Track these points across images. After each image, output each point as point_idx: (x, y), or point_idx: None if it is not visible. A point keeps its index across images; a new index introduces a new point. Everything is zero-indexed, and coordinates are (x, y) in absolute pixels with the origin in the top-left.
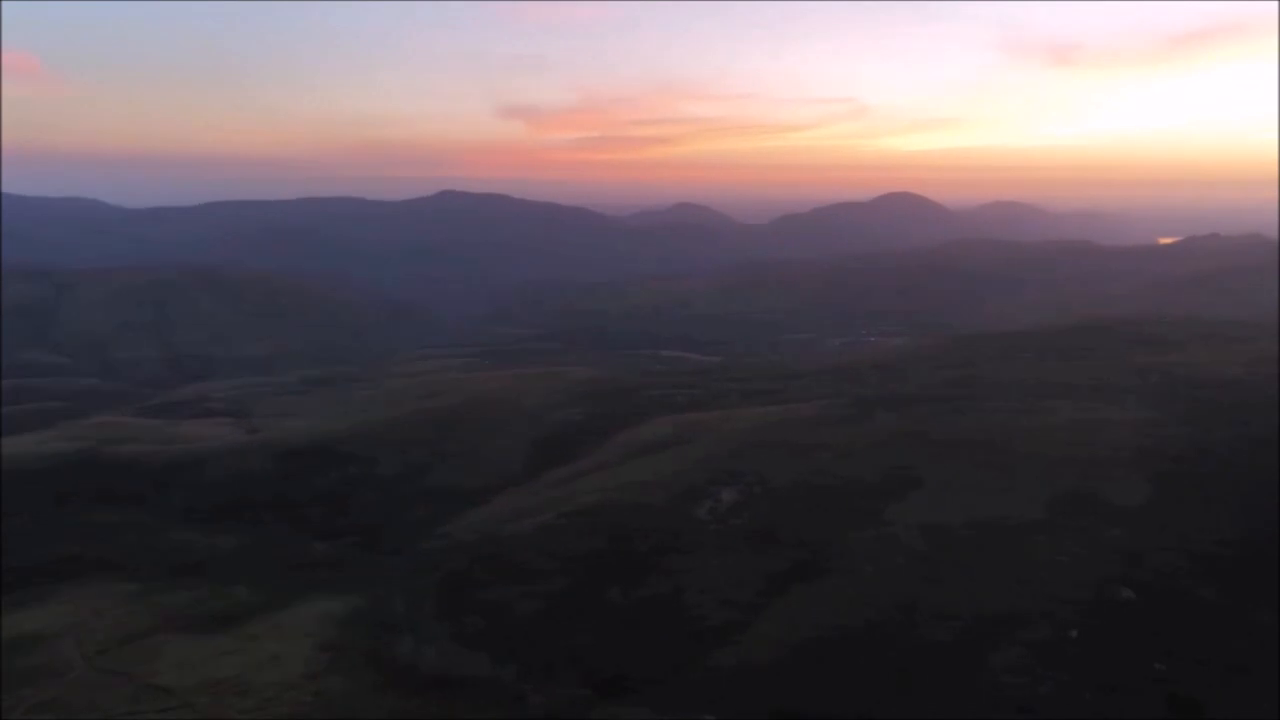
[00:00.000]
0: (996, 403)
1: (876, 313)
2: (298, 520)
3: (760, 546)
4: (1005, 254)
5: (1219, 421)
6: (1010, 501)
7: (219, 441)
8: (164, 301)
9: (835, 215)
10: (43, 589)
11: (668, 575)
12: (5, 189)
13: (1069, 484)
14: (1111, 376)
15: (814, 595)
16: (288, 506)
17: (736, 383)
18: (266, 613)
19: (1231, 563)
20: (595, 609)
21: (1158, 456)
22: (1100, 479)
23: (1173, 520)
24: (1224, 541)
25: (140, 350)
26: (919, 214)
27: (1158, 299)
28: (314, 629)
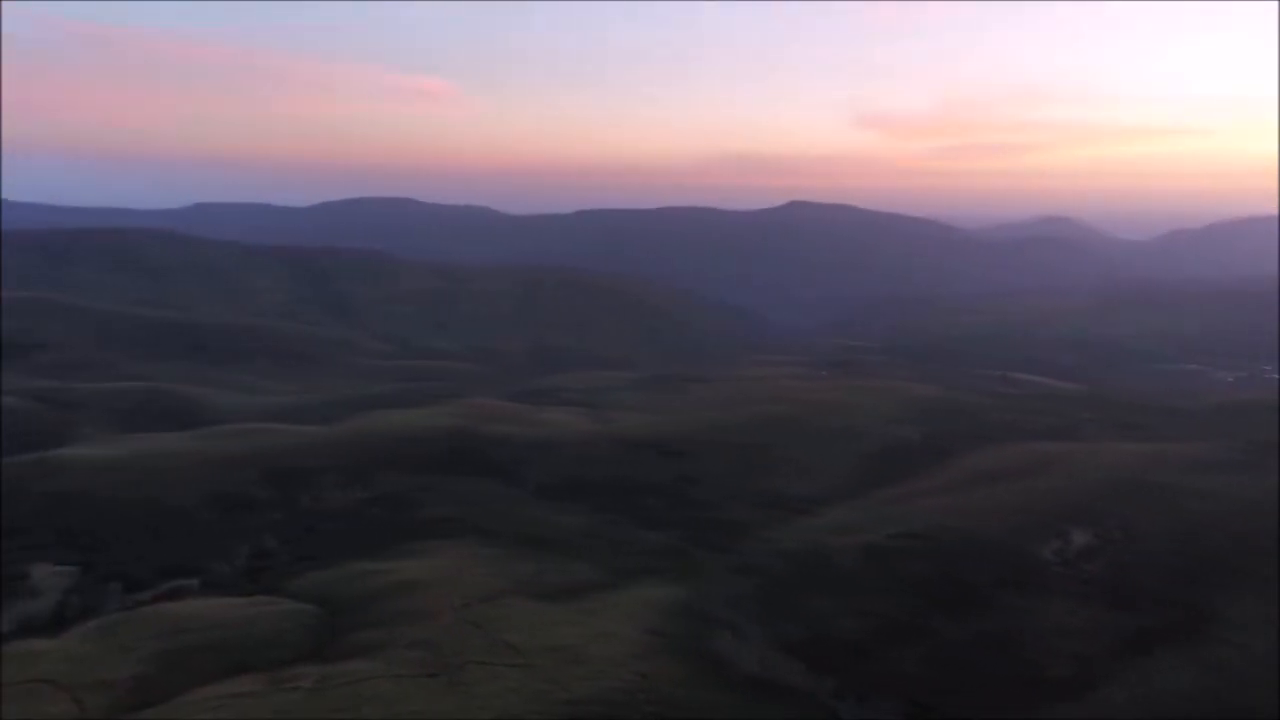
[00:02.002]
0: None
1: None
2: (634, 508)
3: (1116, 599)
4: None
5: None
6: None
7: (572, 428)
8: (536, 299)
9: (1237, 231)
10: (426, 543)
11: (1003, 614)
12: (419, 198)
13: None
14: None
15: (1184, 664)
16: (626, 494)
17: (1101, 414)
18: (602, 591)
19: None
20: (920, 637)
21: None
22: None
23: None
24: None
25: (513, 341)
26: None
27: None
28: (642, 613)
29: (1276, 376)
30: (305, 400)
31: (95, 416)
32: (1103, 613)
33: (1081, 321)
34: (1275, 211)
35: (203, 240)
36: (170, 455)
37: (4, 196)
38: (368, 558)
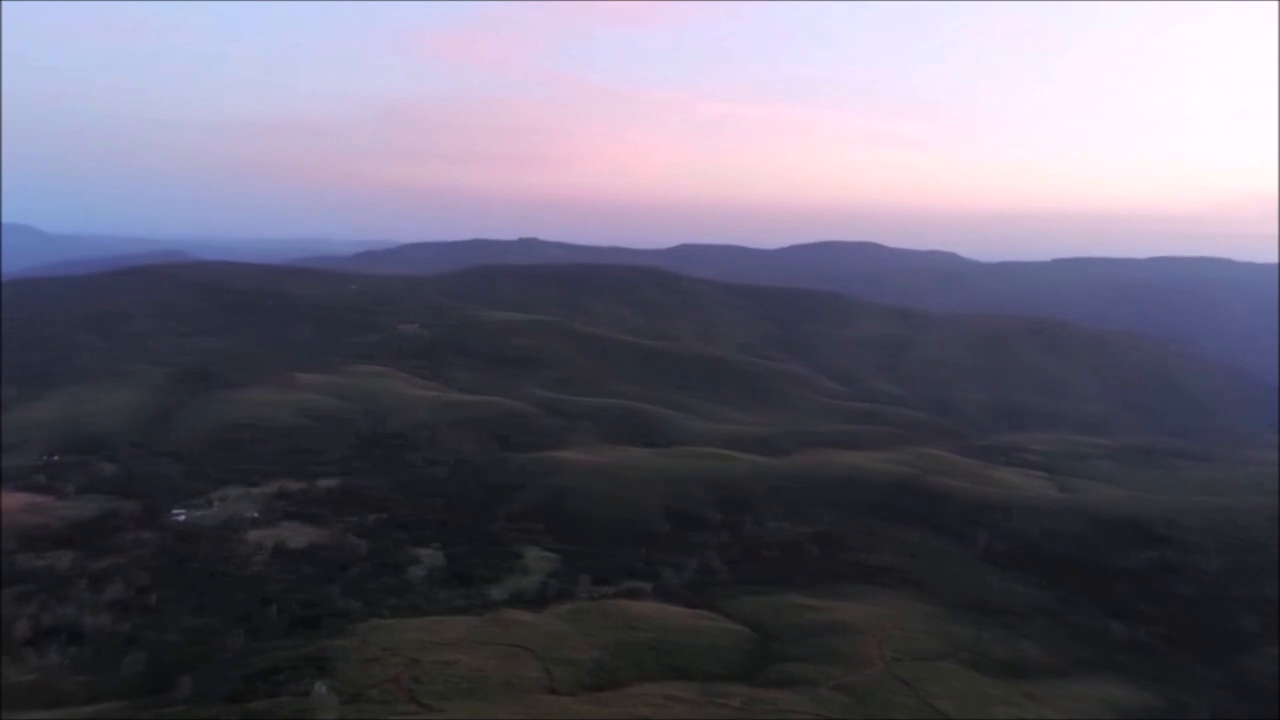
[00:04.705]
0: None
1: None
2: (1099, 592)
3: None
4: None
5: None
6: None
7: (1029, 493)
8: (999, 350)
9: None
10: (861, 587)
11: None
12: (884, 243)
13: None
14: None
15: None
16: (1091, 575)
17: None
18: (1050, 677)
19: None
20: None
21: None
22: None
23: None
24: None
25: (971, 392)
26: None
27: None
28: (1096, 711)
29: None
30: (759, 431)
31: (585, 426)
32: None
33: None
34: None
35: (685, 278)
36: (640, 468)
37: (533, 235)
38: (802, 591)
